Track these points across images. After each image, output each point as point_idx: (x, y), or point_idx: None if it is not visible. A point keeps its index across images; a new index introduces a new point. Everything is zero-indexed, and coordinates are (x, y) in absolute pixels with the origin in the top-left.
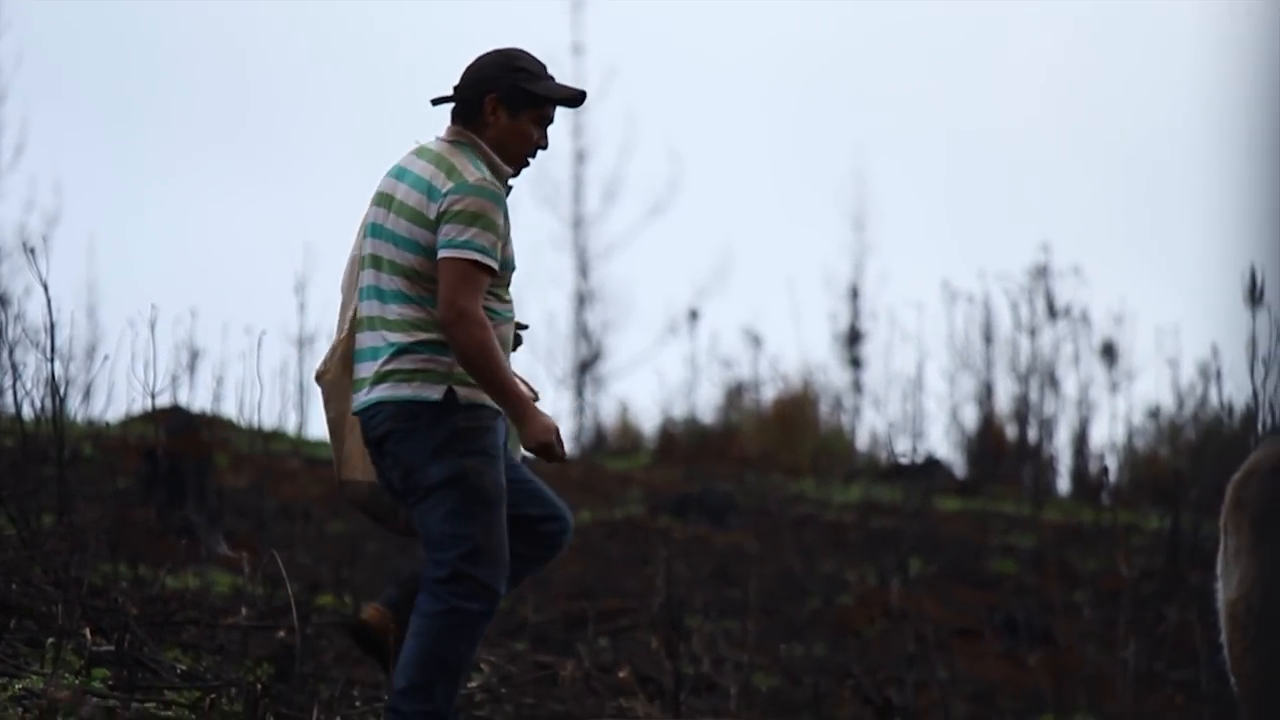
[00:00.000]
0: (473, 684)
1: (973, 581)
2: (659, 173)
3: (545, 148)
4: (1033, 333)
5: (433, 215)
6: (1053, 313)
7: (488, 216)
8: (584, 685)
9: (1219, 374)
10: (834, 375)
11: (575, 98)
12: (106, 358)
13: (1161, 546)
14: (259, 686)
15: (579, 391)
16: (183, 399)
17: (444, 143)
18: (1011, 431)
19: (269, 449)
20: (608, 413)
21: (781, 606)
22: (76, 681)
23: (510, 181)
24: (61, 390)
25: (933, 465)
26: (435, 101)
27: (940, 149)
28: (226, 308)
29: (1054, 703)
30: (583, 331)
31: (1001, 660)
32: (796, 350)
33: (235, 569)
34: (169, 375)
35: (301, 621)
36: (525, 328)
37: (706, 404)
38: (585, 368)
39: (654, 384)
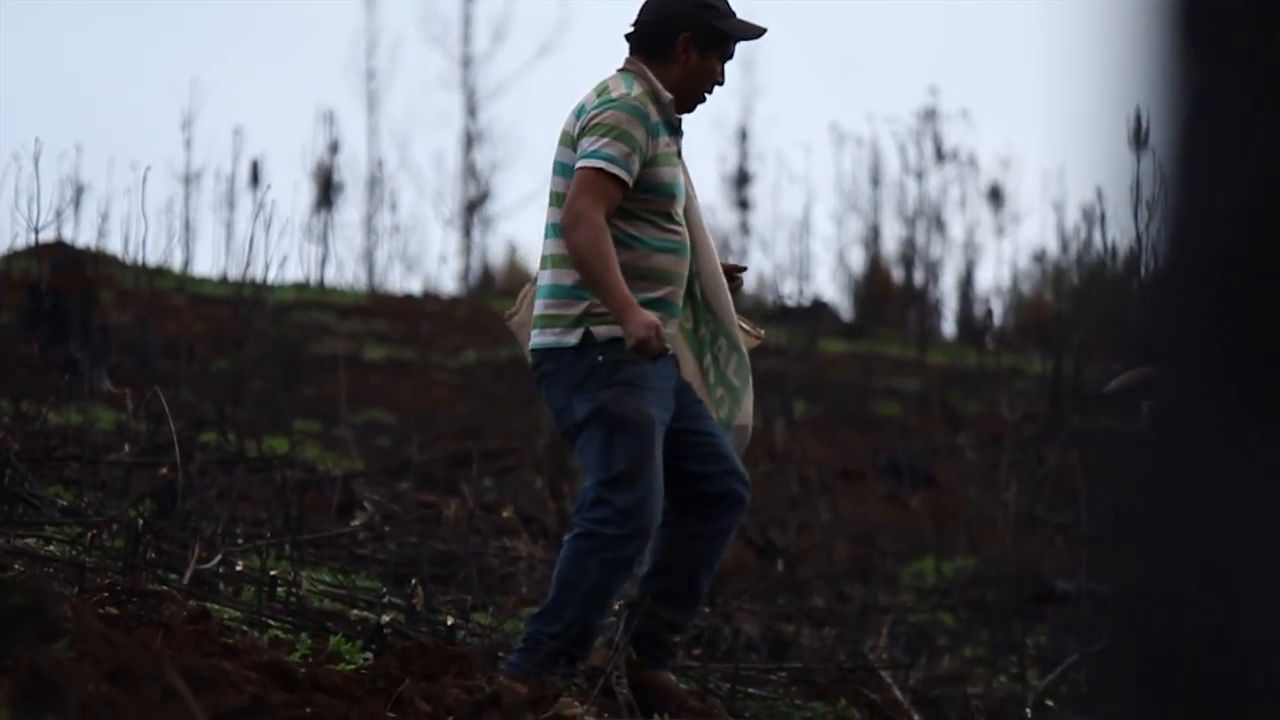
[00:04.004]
0: (355, 522)
1: (857, 424)
2: (548, 12)
3: (722, 84)
4: (920, 176)
5: (576, 134)
6: (940, 156)
7: (622, 128)
8: (467, 524)
9: (1103, 217)
10: (722, 217)
11: (760, 33)
12: None
13: (1044, 390)
14: (140, 522)
15: (467, 231)
16: (67, 234)
17: (614, 73)
18: (898, 275)
19: (154, 286)
20: (495, 253)
21: None
22: None
23: (683, 118)
24: None
25: (819, 308)
26: (629, 42)
27: None
28: (112, 143)
29: (935, 544)
30: (471, 171)
31: (884, 502)
32: None
33: (118, 406)
34: (53, 210)
35: (184, 459)
36: (743, 269)
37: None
38: (473, 208)
39: (541, 224)
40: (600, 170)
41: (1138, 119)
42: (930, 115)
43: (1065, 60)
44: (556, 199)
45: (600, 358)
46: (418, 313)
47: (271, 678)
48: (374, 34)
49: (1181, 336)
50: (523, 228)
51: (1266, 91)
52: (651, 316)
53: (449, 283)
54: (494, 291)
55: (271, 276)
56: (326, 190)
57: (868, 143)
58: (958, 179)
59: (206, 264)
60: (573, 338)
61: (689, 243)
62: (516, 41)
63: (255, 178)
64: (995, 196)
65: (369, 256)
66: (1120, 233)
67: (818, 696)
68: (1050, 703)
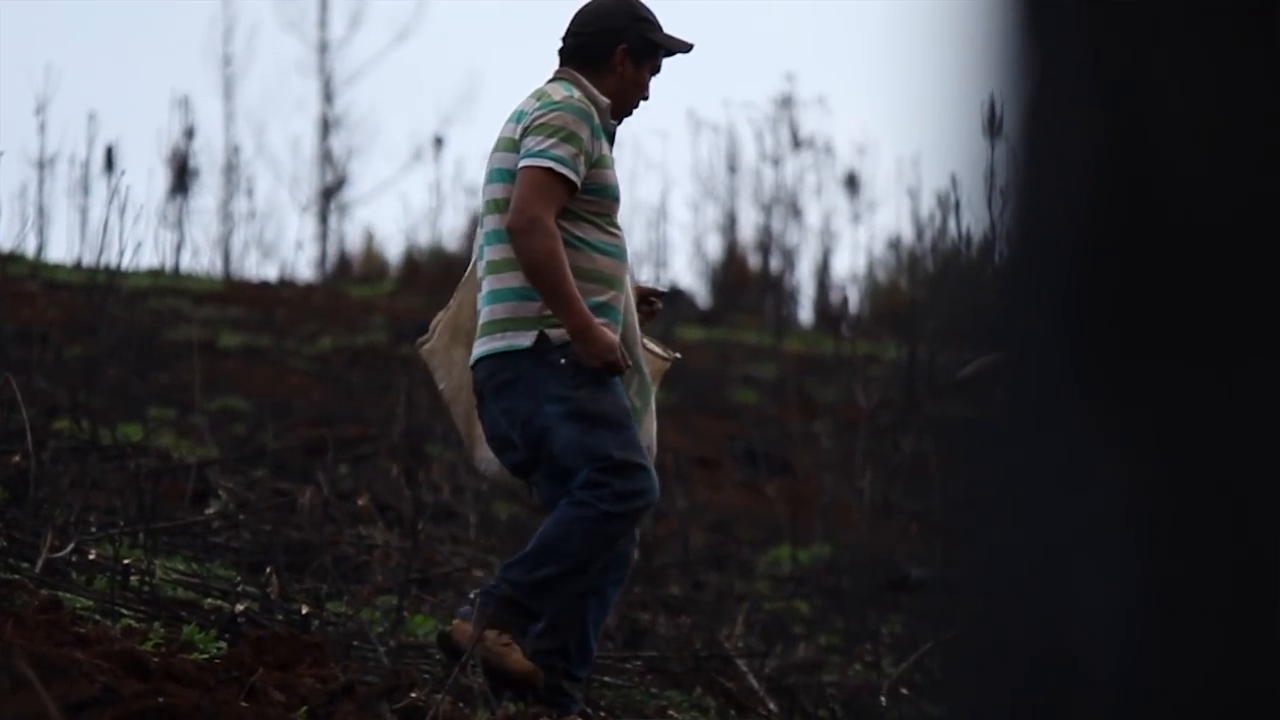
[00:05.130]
0: (210, 510)
1: (713, 411)
2: None
3: (648, 98)
4: (777, 163)
5: (518, 136)
6: (797, 143)
7: (569, 129)
8: (323, 512)
9: (957, 205)
10: None
11: (689, 49)
12: None
13: (899, 377)
14: None
15: (323, 218)
16: None
17: (548, 82)
18: (755, 261)
19: (7, 272)
20: (352, 239)
21: None
22: None
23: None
24: None
25: (676, 295)
26: (561, 53)
27: None
28: None
29: (791, 532)
30: (327, 157)
31: (740, 490)
32: None
33: None
34: None
35: (36, 446)
36: (662, 295)
37: (451, 232)
38: (329, 194)
39: (399, 211)
40: (549, 170)
41: (991, 106)
42: (787, 102)
43: (918, 48)
44: (496, 205)
45: (562, 360)
46: (274, 299)
47: (124, 667)
48: (231, 19)
49: (1025, 324)
50: (379, 214)
51: (1107, 79)
52: (611, 336)
53: (305, 269)
54: (351, 278)
55: (126, 263)
56: (182, 176)
57: (724, 129)
58: (814, 166)
59: (61, 250)
60: (527, 340)
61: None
62: (373, 27)
63: (110, 163)
64: (851, 184)
65: (225, 243)
66: (974, 220)
67: (673, 685)
68: (905, 690)
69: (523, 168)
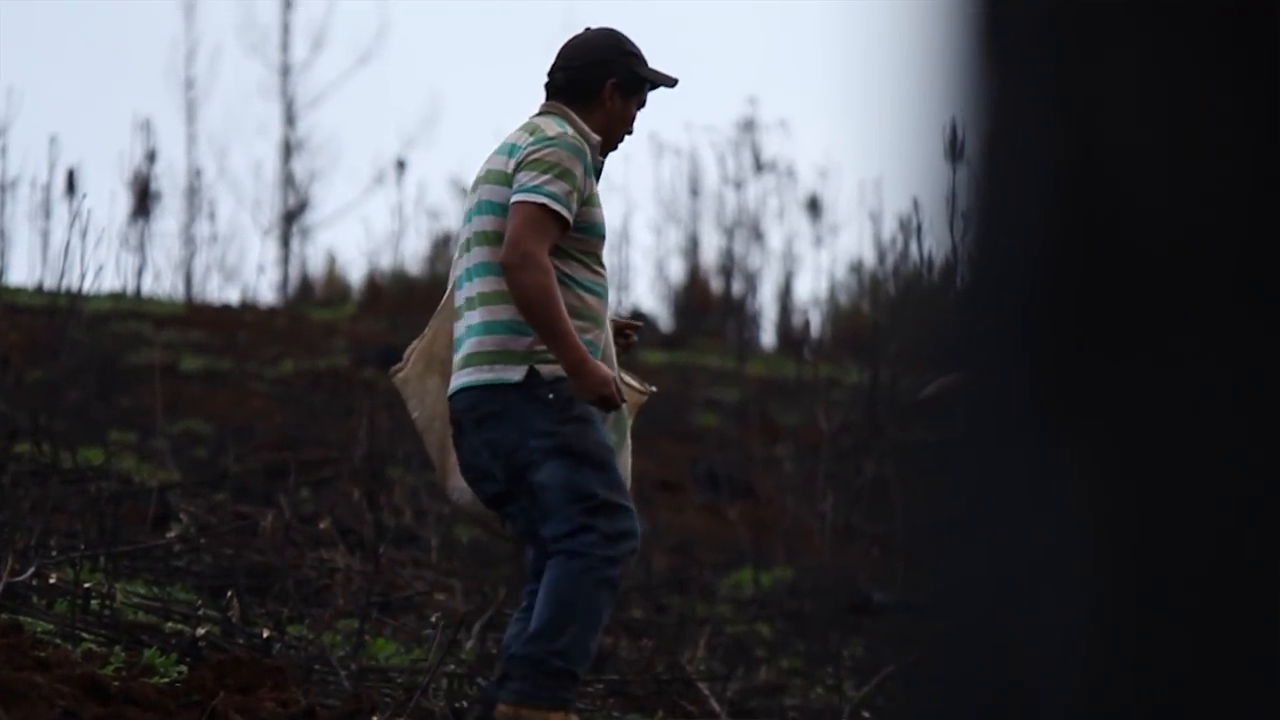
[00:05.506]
0: (171, 534)
1: (676, 434)
2: (367, 20)
3: (632, 132)
4: (739, 186)
5: (511, 170)
6: (759, 166)
7: (564, 166)
8: (284, 536)
9: (919, 228)
10: None
11: (675, 83)
12: None
13: (861, 400)
14: None
15: (285, 241)
16: None
17: (534, 116)
18: (717, 285)
19: None
20: (314, 263)
21: None
22: None
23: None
24: None
25: (638, 318)
26: (549, 87)
27: None
28: None
29: (753, 555)
30: (289, 181)
31: (702, 513)
32: None
33: None
34: None
35: None
36: (639, 325)
37: (413, 255)
38: (292, 217)
39: (361, 234)
40: (544, 207)
41: (952, 130)
42: (749, 125)
43: (879, 71)
44: (484, 238)
45: (551, 395)
46: (235, 323)
47: (84, 691)
48: (193, 42)
49: (984, 344)
50: (341, 237)
51: (1064, 102)
52: (607, 371)
53: (267, 293)
54: (313, 301)
55: (88, 286)
56: (144, 199)
57: (687, 153)
58: (776, 189)
59: (22, 273)
60: (517, 374)
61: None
62: (335, 50)
63: (71, 186)
64: (813, 207)
65: (187, 266)
66: (936, 244)
67: (635, 708)
68: (867, 714)
69: (517, 202)
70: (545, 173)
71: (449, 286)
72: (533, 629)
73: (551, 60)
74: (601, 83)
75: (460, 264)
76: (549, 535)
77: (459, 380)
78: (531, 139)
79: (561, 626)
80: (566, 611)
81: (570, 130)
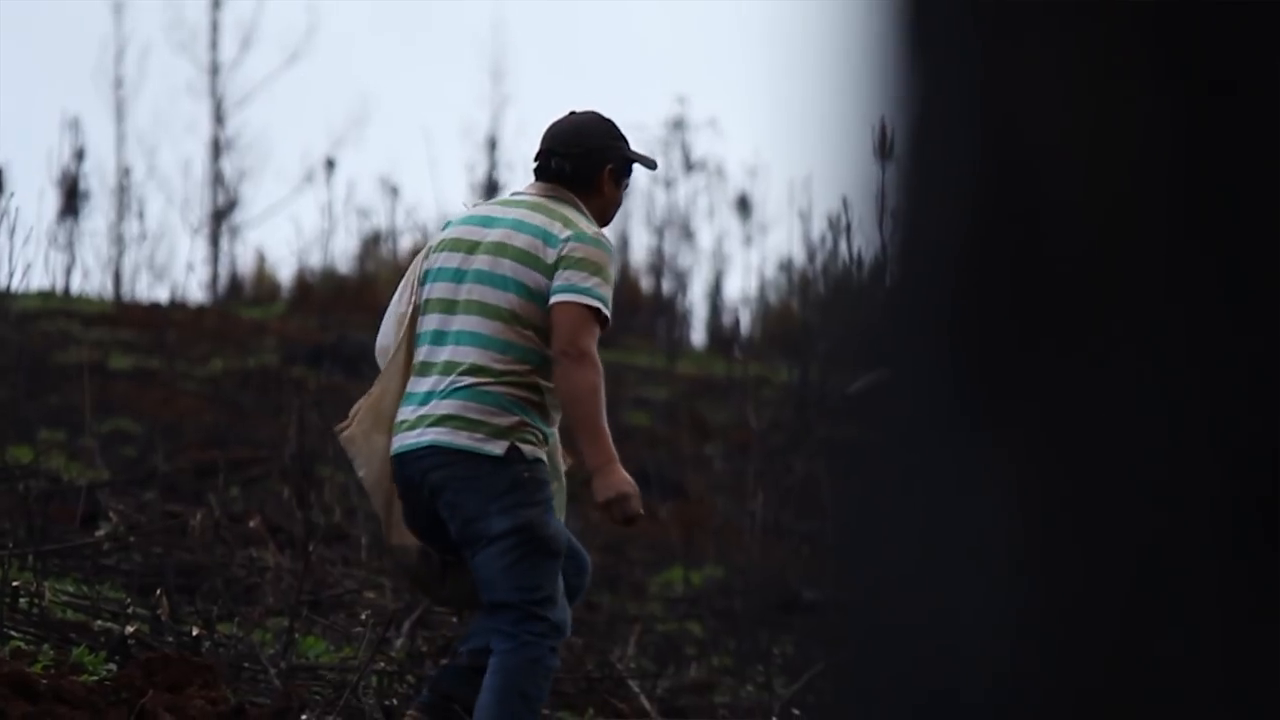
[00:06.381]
0: (100, 532)
1: None
2: (296, 20)
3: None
4: (669, 185)
5: (550, 260)
6: (689, 165)
7: (606, 270)
8: (214, 534)
9: (848, 227)
10: None
11: (655, 165)
12: None
13: (790, 399)
14: None
15: (214, 240)
16: None
17: (542, 197)
18: (647, 284)
19: None
20: (243, 261)
21: None
22: None
23: None
24: None
25: None
26: (547, 171)
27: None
28: None
29: (684, 554)
30: (219, 179)
31: None
32: (434, 200)
33: None
34: None
35: None
36: None
37: (343, 253)
38: (221, 216)
39: (290, 233)
40: (598, 312)
41: (881, 129)
42: (679, 124)
43: (807, 70)
44: (493, 311)
45: (526, 474)
46: (165, 321)
47: (13, 689)
48: (122, 41)
49: (909, 340)
50: (271, 236)
51: (987, 100)
52: (630, 480)
53: (197, 291)
54: (242, 300)
55: (16, 285)
56: (72, 198)
57: None
58: (706, 188)
59: None
60: (497, 448)
61: None
62: (264, 49)
63: None
64: (743, 206)
65: (116, 265)
66: (864, 242)
67: (566, 706)
68: (796, 711)
69: (572, 302)
70: (595, 275)
71: (399, 343)
72: (480, 711)
73: (543, 143)
74: (599, 170)
75: (432, 322)
76: (493, 601)
77: (426, 437)
78: (571, 233)
79: (516, 714)
80: (521, 704)
81: (595, 227)
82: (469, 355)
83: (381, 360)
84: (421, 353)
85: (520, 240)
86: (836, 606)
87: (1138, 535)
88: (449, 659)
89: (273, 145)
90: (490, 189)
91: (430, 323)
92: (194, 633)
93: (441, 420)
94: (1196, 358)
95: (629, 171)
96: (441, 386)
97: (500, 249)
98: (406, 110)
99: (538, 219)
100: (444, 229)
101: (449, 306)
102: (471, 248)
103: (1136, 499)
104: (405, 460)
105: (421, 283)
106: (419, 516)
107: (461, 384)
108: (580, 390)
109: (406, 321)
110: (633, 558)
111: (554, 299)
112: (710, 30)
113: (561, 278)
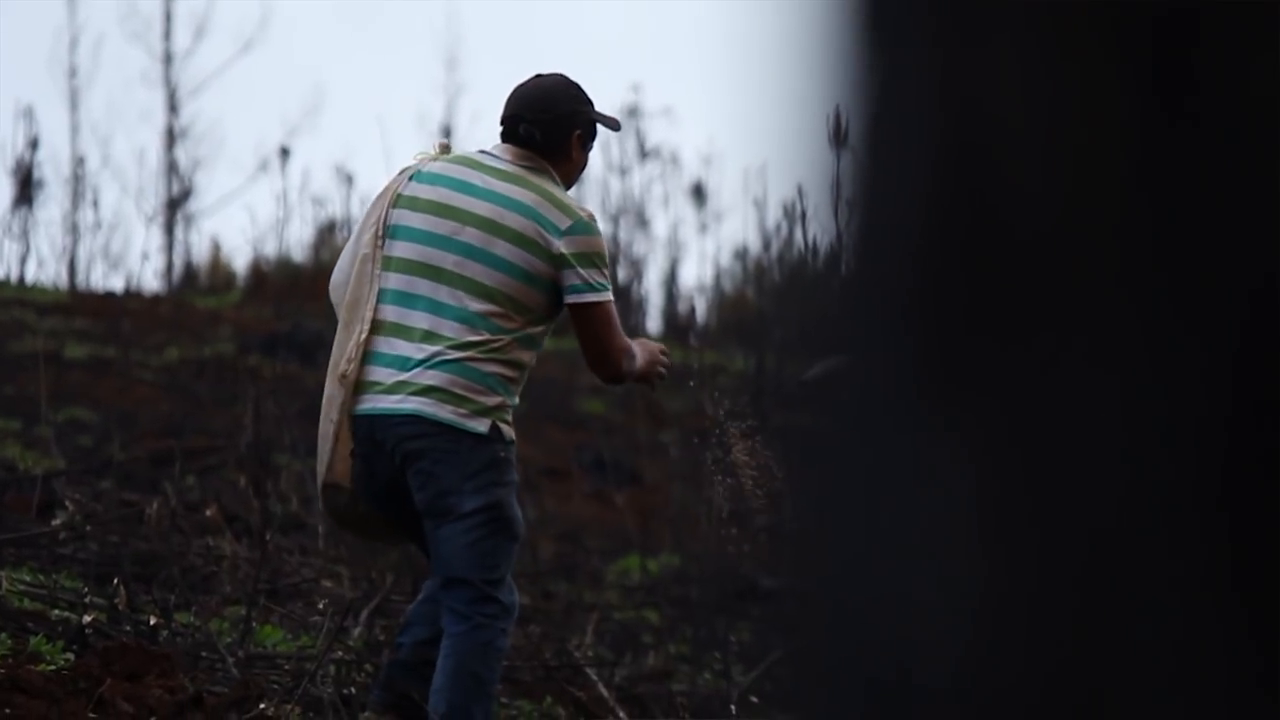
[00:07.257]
0: (56, 522)
1: (562, 421)
2: (249, 9)
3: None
4: (624, 173)
5: (555, 250)
6: (643, 153)
7: (606, 256)
8: (170, 523)
9: (804, 215)
10: None
11: (619, 126)
12: None
13: (746, 387)
14: None
15: (169, 229)
16: None
17: (519, 167)
18: None
19: None
20: (199, 250)
21: None
22: None
23: None
24: None
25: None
26: (515, 135)
27: None
28: None
29: (640, 542)
30: (173, 168)
31: (589, 500)
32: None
33: None
34: None
35: None
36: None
37: (298, 242)
38: (176, 205)
39: (245, 222)
40: (611, 303)
41: (836, 116)
42: (633, 112)
43: (762, 57)
44: (485, 291)
45: (502, 454)
46: (120, 310)
47: None
48: (76, 30)
49: (867, 329)
50: (226, 225)
51: (945, 88)
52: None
53: (152, 280)
54: (198, 289)
55: None
56: (26, 187)
57: None
58: (661, 176)
59: None
60: (481, 426)
61: None
62: (218, 38)
63: None
64: (698, 194)
65: (70, 254)
66: (820, 230)
67: (523, 695)
68: (754, 699)
69: (597, 302)
70: (603, 266)
71: (367, 294)
72: (444, 708)
73: (510, 107)
74: (568, 136)
75: (398, 281)
76: (450, 577)
77: (409, 405)
78: (570, 224)
79: (470, 704)
80: (476, 686)
81: (577, 203)
82: (456, 330)
83: (335, 295)
84: (389, 312)
85: (514, 221)
86: (795, 595)
87: (1094, 521)
88: (392, 653)
89: (227, 134)
90: None
91: (395, 281)
92: (151, 622)
93: (427, 390)
94: (1153, 347)
95: (594, 134)
96: (423, 355)
97: (494, 228)
98: (361, 99)
99: (527, 197)
100: (412, 179)
101: (426, 272)
102: (459, 217)
103: (1093, 485)
104: (378, 424)
105: (399, 239)
106: (375, 480)
107: (450, 357)
108: (619, 380)
109: (367, 266)
110: (589, 546)
111: (578, 298)
112: (665, 17)
113: (577, 275)
